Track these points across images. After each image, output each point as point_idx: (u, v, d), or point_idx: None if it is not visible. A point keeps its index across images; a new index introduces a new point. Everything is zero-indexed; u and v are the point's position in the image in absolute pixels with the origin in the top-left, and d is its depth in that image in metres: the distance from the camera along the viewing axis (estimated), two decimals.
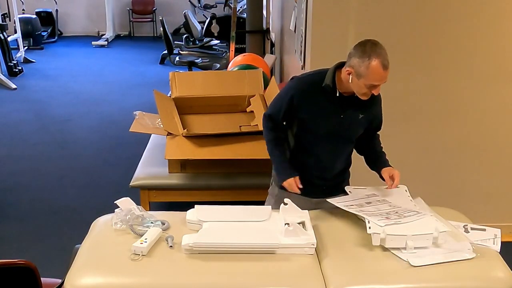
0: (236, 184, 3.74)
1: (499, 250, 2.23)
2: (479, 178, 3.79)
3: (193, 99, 4.14)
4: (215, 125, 3.98)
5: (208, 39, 8.25)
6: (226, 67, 6.10)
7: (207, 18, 8.62)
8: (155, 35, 11.82)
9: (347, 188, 2.56)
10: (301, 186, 2.48)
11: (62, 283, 2.04)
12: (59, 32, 11.48)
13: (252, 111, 4.13)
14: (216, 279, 2.02)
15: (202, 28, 8.53)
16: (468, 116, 3.64)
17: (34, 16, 10.62)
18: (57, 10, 11.30)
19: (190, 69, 7.24)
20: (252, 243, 2.13)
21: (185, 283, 2.01)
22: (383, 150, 2.64)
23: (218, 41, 8.27)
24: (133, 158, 4.40)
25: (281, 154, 2.58)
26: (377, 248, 2.17)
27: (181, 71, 4.83)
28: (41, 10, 11.11)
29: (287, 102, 2.49)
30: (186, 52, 8.12)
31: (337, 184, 2.61)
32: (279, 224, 2.24)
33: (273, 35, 6.93)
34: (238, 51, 6.37)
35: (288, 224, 2.18)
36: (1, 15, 9.68)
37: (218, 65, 7.54)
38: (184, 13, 9.01)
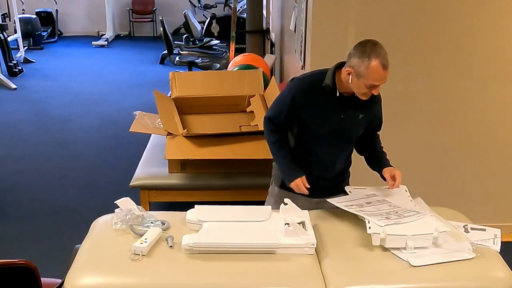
0: (236, 184, 3.74)
1: (499, 250, 2.23)
2: (479, 178, 3.79)
3: (193, 99, 4.14)
4: (215, 125, 3.98)
5: (208, 39, 8.26)
6: (226, 67, 6.10)
7: (207, 18, 8.63)
8: (155, 35, 11.83)
9: (347, 188, 2.56)
10: (308, 186, 2.47)
11: (62, 283, 2.04)
12: (59, 32, 11.48)
13: (252, 111, 4.13)
14: (216, 279, 2.02)
15: (202, 28, 8.54)
16: (468, 116, 3.64)
17: (34, 16, 10.62)
18: (57, 10, 11.30)
19: (190, 69, 7.25)
20: (252, 243, 2.13)
21: (185, 283, 2.01)
22: (383, 149, 2.64)
23: (218, 41, 8.28)
24: (133, 158, 4.40)
25: (286, 155, 2.57)
26: (377, 248, 2.17)
27: (181, 71, 4.84)
28: (41, 10, 11.11)
29: (288, 103, 2.48)
30: (186, 52, 8.12)
31: (337, 184, 2.61)
32: (279, 224, 2.24)
33: (273, 35, 6.93)
34: (238, 51, 6.38)
35: (288, 224, 2.18)
36: (1, 15, 9.68)
37: (218, 65, 7.54)
38: (184, 13, 9.02)
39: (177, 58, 7.79)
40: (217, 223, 2.25)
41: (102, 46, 10.79)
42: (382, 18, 3.37)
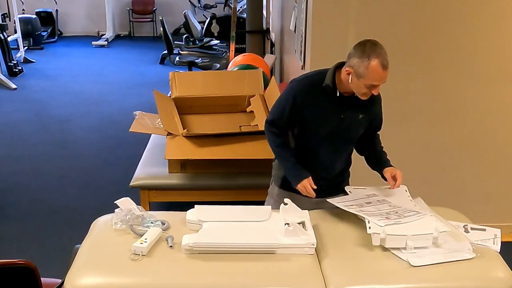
0: (236, 184, 3.74)
1: (499, 250, 2.23)
2: (479, 178, 3.79)
3: (193, 99, 4.14)
4: (215, 125, 3.98)
5: (208, 39, 8.26)
6: (226, 67, 6.10)
7: (207, 18, 8.63)
8: (155, 35, 11.83)
9: (347, 188, 2.56)
10: (315, 187, 2.46)
11: (62, 283, 2.04)
12: (59, 32, 11.48)
13: (252, 111, 4.13)
14: (216, 279, 2.02)
15: (202, 28, 8.54)
16: (468, 116, 3.64)
17: (34, 16, 10.62)
18: (57, 10, 11.30)
19: (190, 69, 7.25)
20: (252, 243, 2.13)
21: (185, 283, 2.01)
22: (383, 149, 2.64)
23: (218, 41, 8.28)
24: (133, 158, 4.40)
25: (291, 157, 2.55)
26: (377, 248, 2.17)
27: (181, 71, 4.84)
28: (41, 10, 11.11)
29: (290, 104, 2.47)
30: (186, 52, 8.12)
31: (337, 184, 2.61)
32: (279, 224, 2.24)
33: (273, 35, 6.93)
34: (238, 51, 6.38)
35: (288, 224, 2.18)
36: (1, 15, 9.68)
37: (218, 65, 7.55)
38: (184, 13, 9.02)
39: (177, 58, 7.79)
40: (217, 223, 2.25)
41: (102, 46, 10.79)
42: (382, 18, 3.37)
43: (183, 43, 8.67)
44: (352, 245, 2.23)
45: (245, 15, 6.98)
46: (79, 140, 5.85)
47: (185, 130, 3.65)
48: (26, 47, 9.81)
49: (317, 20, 3.42)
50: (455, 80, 3.54)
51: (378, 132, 2.68)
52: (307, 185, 2.46)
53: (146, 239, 2.11)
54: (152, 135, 4.38)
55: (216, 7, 10.93)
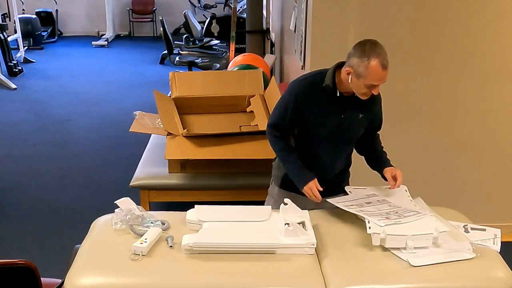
0: (236, 184, 3.74)
1: (499, 250, 2.23)
2: (479, 178, 3.79)
3: (193, 99, 4.14)
4: (215, 125, 3.98)
5: (208, 39, 8.26)
6: (226, 67, 6.10)
7: (207, 18, 8.63)
8: (155, 35, 11.83)
9: (347, 188, 2.56)
10: (321, 189, 2.44)
11: (62, 283, 2.04)
12: (59, 32, 11.48)
13: (252, 111, 4.13)
14: (216, 279, 2.02)
15: (202, 28, 8.54)
16: (468, 116, 3.64)
17: (34, 16, 10.63)
18: (57, 10, 11.30)
19: (190, 69, 7.25)
20: (252, 243, 2.13)
21: (185, 283, 2.01)
22: (383, 149, 2.64)
23: (218, 41, 8.28)
24: (133, 158, 4.40)
25: (296, 160, 2.52)
26: (377, 248, 2.17)
27: (181, 71, 4.84)
28: (41, 10, 11.11)
29: (292, 105, 2.46)
30: (186, 52, 8.12)
31: (337, 184, 2.61)
32: (279, 224, 2.24)
33: (273, 35, 6.93)
34: (238, 51, 6.38)
35: (288, 224, 2.18)
36: (1, 15, 9.69)
37: (218, 65, 7.55)
38: (184, 13, 9.02)
39: (177, 58, 7.79)
40: (217, 223, 2.25)
41: (102, 46, 10.79)
42: (382, 18, 3.37)
43: (183, 43, 8.67)
44: (352, 245, 2.23)
45: (245, 15, 6.98)
46: (79, 140, 5.85)
47: (185, 130, 3.65)
48: (26, 47, 9.81)
49: (317, 20, 3.42)
50: (455, 80, 3.54)
51: (378, 132, 2.68)
52: (313, 187, 2.44)
53: (146, 239, 2.11)
54: (152, 135, 4.38)
55: (216, 7, 10.93)
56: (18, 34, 9.25)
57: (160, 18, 8.26)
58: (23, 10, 10.43)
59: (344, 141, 2.58)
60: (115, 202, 2.33)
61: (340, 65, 2.41)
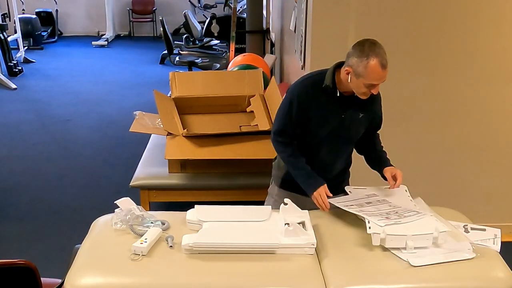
0: (236, 184, 3.74)
1: (499, 250, 2.23)
2: (479, 178, 3.79)
3: (193, 99, 4.13)
4: (215, 125, 3.98)
5: (208, 39, 8.26)
6: (226, 67, 6.09)
7: (207, 18, 8.63)
8: (155, 35, 11.83)
9: (347, 188, 2.56)
10: (331, 195, 2.42)
11: (62, 283, 2.04)
12: (59, 32, 11.48)
13: (252, 111, 4.13)
14: (216, 279, 2.02)
15: (202, 28, 8.54)
16: (468, 116, 3.64)
17: (34, 16, 10.62)
18: (57, 10, 11.30)
19: (190, 69, 7.25)
20: (252, 243, 2.13)
21: (185, 283, 2.01)
22: (383, 149, 2.64)
23: (218, 41, 8.28)
24: (133, 158, 4.40)
25: (305, 166, 2.50)
26: (377, 248, 2.17)
27: (181, 71, 4.83)
28: (41, 10, 11.11)
29: (296, 107, 2.44)
30: (186, 52, 8.12)
31: (337, 184, 2.61)
32: (279, 224, 2.24)
33: (273, 35, 6.93)
34: (238, 51, 6.37)
35: (288, 224, 2.18)
36: (1, 15, 9.69)
37: (218, 65, 7.54)
38: (184, 13, 9.02)
39: (177, 58, 7.79)
40: (217, 223, 2.25)
41: (102, 46, 10.79)
42: (382, 18, 3.37)
43: (183, 43, 8.67)
44: (352, 245, 2.23)
45: (245, 15, 6.97)
46: (79, 140, 5.85)
47: (185, 130, 3.65)
48: (26, 47, 9.81)
49: (317, 20, 3.42)
50: (455, 80, 3.54)
51: (378, 132, 2.68)
52: (322, 193, 2.40)
53: (146, 239, 2.11)
54: (152, 135, 4.38)
55: (216, 7, 10.92)
56: (18, 34, 9.25)
57: (160, 18, 8.26)
58: (23, 10, 10.43)
59: (344, 141, 2.58)
60: (115, 202, 2.33)
61: (340, 65, 2.41)
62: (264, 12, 6.82)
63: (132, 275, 2.02)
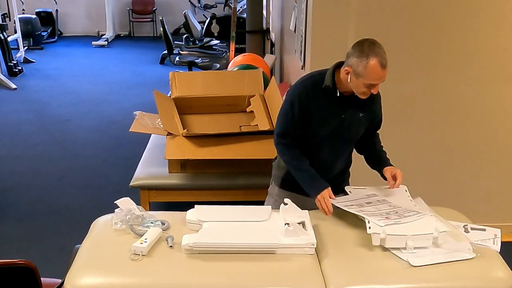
0: (236, 184, 3.74)
1: (499, 250, 2.23)
2: (479, 178, 3.79)
3: (193, 99, 4.14)
4: (215, 125, 3.98)
5: (208, 39, 8.25)
6: (226, 67, 6.10)
7: (207, 18, 8.63)
8: (155, 35, 11.83)
9: (347, 188, 2.56)
10: (334, 198, 2.40)
11: (62, 283, 2.04)
12: (59, 32, 11.48)
13: (252, 111, 4.13)
14: (216, 279, 2.02)
15: (202, 28, 8.54)
16: (468, 116, 3.64)
17: (34, 16, 10.62)
18: (57, 10, 11.30)
19: (190, 69, 7.25)
20: (252, 243, 2.13)
21: (185, 283, 2.01)
22: (383, 149, 2.64)
23: (218, 41, 8.27)
24: (133, 158, 4.40)
25: (309, 168, 2.48)
26: (377, 248, 2.17)
27: (181, 71, 4.83)
28: (41, 10, 11.11)
29: (297, 108, 2.44)
30: (186, 52, 8.12)
31: (337, 184, 2.61)
32: (279, 224, 2.24)
33: (273, 35, 6.93)
34: (238, 51, 6.37)
35: (288, 224, 2.18)
36: (1, 15, 9.68)
37: (218, 65, 7.54)
38: (184, 13, 9.02)
39: (177, 58, 7.79)
40: (217, 223, 2.25)
41: (102, 46, 10.79)
42: (382, 18, 3.37)
43: (183, 43, 8.67)
44: (352, 245, 2.23)
45: (245, 15, 6.98)
46: (79, 140, 5.85)
47: (185, 130, 3.65)
48: (26, 47, 9.81)
49: (317, 20, 3.42)
50: (455, 80, 3.54)
51: (378, 132, 2.68)
52: (326, 196, 2.38)
53: (146, 239, 2.11)
54: (152, 135, 4.38)
55: (216, 7, 10.92)
56: (18, 34, 9.25)
57: (160, 18, 8.26)
58: (23, 10, 10.43)
59: (345, 141, 2.58)
60: (115, 202, 2.33)
61: (339, 65, 2.41)
62: (264, 12, 6.82)
63: (132, 275, 2.02)
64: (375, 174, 2.58)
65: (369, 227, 2.16)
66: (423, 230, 2.17)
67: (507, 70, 3.54)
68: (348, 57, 2.31)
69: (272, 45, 6.85)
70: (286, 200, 2.33)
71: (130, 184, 3.76)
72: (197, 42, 8.75)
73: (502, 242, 2.27)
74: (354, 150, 2.69)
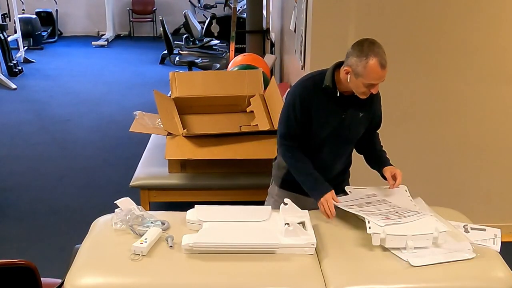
0: (236, 184, 3.74)
1: (499, 250, 2.23)
2: (479, 178, 3.79)
3: (193, 99, 4.14)
4: (215, 125, 3.98)
5: (208, 39, 8.25)
6: (226, 67, 6.10)
7: (207, 18, 8.62)
8: (155, 35, 11.83)
9: (347, 188, 2.56)
10: (338, 201, 2.38)
11: (62, 283, 2.04)
12: (59, 32, 11.48)
13: (252, 111, 4.13)
14: (216, 279, 2.02)
15: (202, 28, 8.53)
16: (468, 116, 3.64)
17: (34, 16, 10.62)
18: (57, 10, 11.30)
19: (190, 69, 7.25)
20: (252, 243, 2.13)
21: (185, 283, 2.01)
22: (383, 148, 2.64)
23: (218, 41, 8.28)
24: (133, 158, 4.40)
25: (313, 171, 2.47)
26: (377, 248, 2.17)
27: (181, 71, 4.84)
28: (41, 10, 11.11)
29: (299, 108, 2.43)
30: (186, 52, 8.12)
31: (337, 184, 2.61)
32: (279, 224, 2.24)
33: (273, 35, 6.93)
34: (238, 51, 6.37)
35: (288, 224, 2.18)
36: (1, 15, 9.68)
37: (218, 65, 7.54)
38: (184, 13, 9.02)
39: (177, 58, 7.79)
40: (217, 223, 2.25)
41: (102, 46, 10.79)
42: (382, 18, 3.37)
43: (183, 43, 8.67)
44: (352, 245, 2.23)
45: (245, 15, 6.97)
46: (79, 140, 5.85)
47: (185, 130, 3.65)
48: (26, 47, 9.81)
49: (317, 20, 3.42)
50: (455, 80, 3.54)
51: (377, 131, 2.68)
52: (329, 199, 2.37)
53: (146, 239, 2.11)
54: (152, 135, 4.38)
55: (216, 7, 10.93)
56: (18, 34, 9.25)
57: (160, 18, 8.26)
58: (23, 10, 10.43)
59: (345, 141, 2.57)
60: (115, 202, 2.33)
61: (339, 65, 2.40)
62: (264, 12, 6.82)
63: (132, 275, 2.02)
64: (375, 174, 2.58)
65: (369, 227, 2.16)
66: (423, 230, 2.17)
67: (507, 70, 3.54)
68: (347, 57, 2.31)
69: (272, 45, 6.85)
70: (286, 200, 2.33)
71: (130, 184, 3.76)
72: (197, 42, 8.75)
73: (502, 242, 2.27)
74: (354, 150, 2.69)
